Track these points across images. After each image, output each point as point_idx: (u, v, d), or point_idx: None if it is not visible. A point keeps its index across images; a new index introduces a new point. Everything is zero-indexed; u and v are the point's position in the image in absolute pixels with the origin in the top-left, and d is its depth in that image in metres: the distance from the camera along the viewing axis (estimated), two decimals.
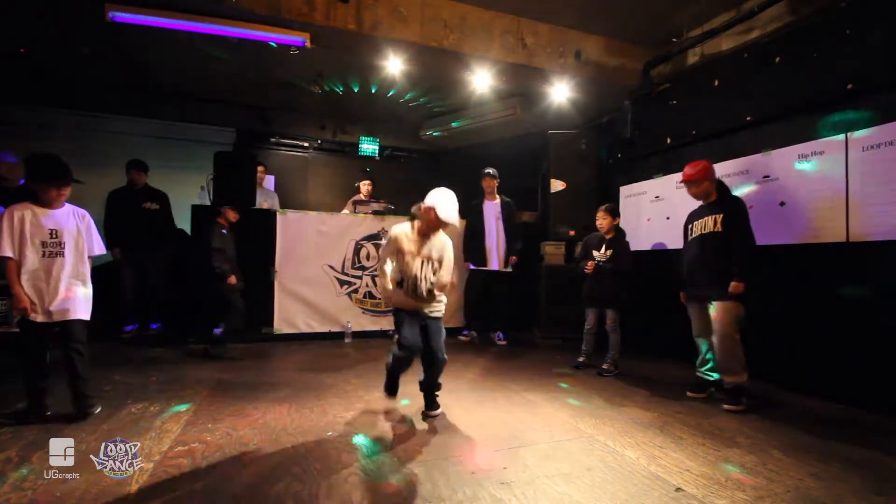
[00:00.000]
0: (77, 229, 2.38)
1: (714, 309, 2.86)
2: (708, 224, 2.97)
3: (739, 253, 2.81)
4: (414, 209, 2.43)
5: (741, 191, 3.77)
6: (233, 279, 3.91)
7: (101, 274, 4.12)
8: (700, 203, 3.13)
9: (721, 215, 2.91)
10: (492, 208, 4.93)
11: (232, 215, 4.10)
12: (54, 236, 2.30)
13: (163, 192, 4.88)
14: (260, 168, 5.20)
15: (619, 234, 3.82)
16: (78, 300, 2.34)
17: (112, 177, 4.98)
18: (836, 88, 3.13)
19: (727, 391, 2.85)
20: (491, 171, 4.90)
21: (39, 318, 2.25)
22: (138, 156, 4.79)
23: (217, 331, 3.88)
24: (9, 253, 2.20)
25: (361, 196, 5.74)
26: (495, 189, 4.96)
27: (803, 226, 3.28)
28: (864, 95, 3.02)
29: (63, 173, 2.33)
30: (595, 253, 3.78)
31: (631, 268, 3.71)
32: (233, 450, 2.04)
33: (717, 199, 3.02)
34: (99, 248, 2.47)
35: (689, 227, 3.15)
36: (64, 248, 2.32)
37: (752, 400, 2.84)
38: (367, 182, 5.89)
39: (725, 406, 2.79)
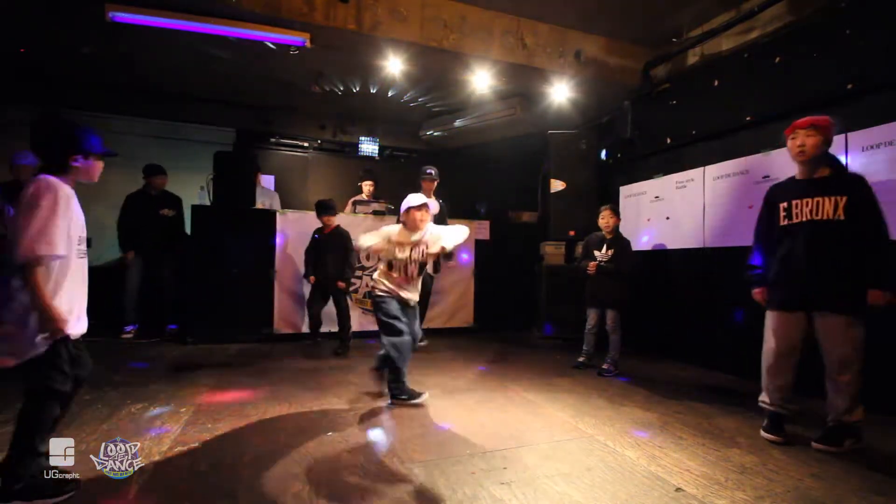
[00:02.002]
0: None
1: (831, 323, 2.21)
2: (825, 208, 2.23)
3: (878, 252, 2.16)
4: (401, 216, 2.85)
5: (740, 191, 3.79)
6: (311, 279, 4.19)
7: (101, 273, 4.15)
8: (792, 176, 2.45)
9: (845, 199, 2.19)
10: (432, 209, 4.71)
11: (327, 220, 4.25)
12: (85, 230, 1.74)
13: (178, 196, 4.93)
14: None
15: (619, 234, 3.82)
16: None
17: (112, 177, 4.94)
18: (836, 88, 3.14)
19: (830, 428, 2.24)
20: (432, 171, 4.54)
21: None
22: (138, 156, 4.81)
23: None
24: (63, 251, 1.57)
25: (363, 196, 5.74)
26: (433, 191, 4.66)
27: None
28: (864, 95, 3.02)
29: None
30: (596, 253, 3.78)
31: (632, 267, 3.71)
32: (233, 450, 2.04)
33: (834, 175, 2.31)
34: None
35: (783, 205, 2.38)
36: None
37: (854, 439, 2.21)
38: (370, 182, 5.88)
39: (815, 444, 2.21)
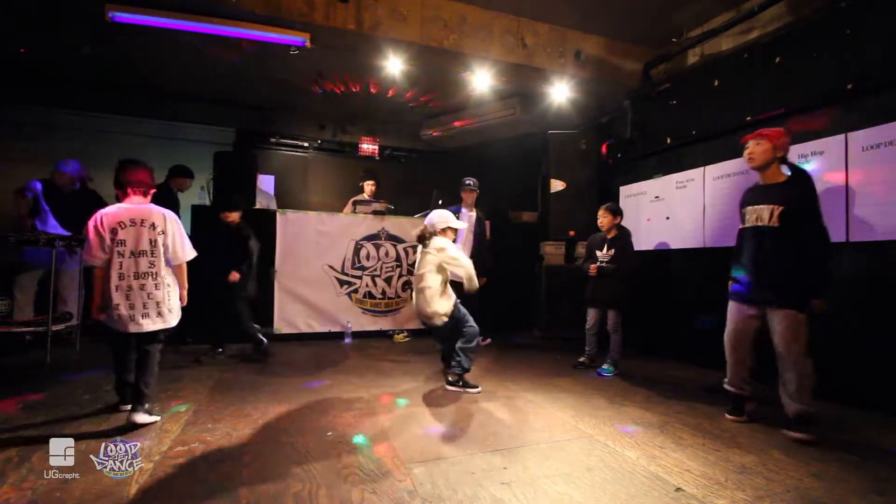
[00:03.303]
0: None
1: (776, 319, 2.38)
2: (763, 216, 2.44)
3: (818, 259, 2.32)
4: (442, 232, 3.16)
5: (740, 191, 3.77)
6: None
7: None
8: (757, 181, 2.62)
9: (781, 207, 2.37)
10: (468, 219, 4.65)
11: (224, 216, 3.89)
12: None
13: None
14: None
15: (621, 232, 3.80)
16: None
17: (110, 179, 4.98)
18: (836, 88, 3.14)
19: (794, 418, 2.36)
20: (472, 182, 4.65)
21: None
22: (138, 156, 4.78)
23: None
24: None
25: (364, 195, 5.74)
26: (474, 201, 4.72)
27: None
28: (864, 95, 3.02)
29: None
30: (598, 253, 3.78)
31: (633, 267, 3.71)
32: (233, 450, 2.04)
33: (782, 183, 2.47)
34: None
35: (743, 210, 2.62)
36: None
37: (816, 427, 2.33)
38: (371, 182, 5.86)
39: (791, 434, 2.33)
